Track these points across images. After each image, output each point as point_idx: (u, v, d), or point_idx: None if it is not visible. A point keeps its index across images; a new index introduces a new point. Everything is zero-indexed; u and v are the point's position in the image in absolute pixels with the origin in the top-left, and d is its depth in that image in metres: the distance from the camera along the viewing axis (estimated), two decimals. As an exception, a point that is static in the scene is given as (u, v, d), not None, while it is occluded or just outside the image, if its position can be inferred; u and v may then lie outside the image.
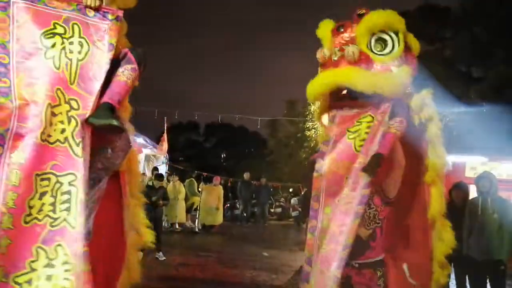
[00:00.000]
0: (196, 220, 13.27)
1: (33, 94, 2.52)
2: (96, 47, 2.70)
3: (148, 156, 15.31)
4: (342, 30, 3.39)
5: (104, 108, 2.63)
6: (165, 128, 15.41)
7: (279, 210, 18.48)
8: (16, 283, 2.32)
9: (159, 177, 9.35)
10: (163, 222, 10.98)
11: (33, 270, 2.35)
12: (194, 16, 66.87)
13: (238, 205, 16.46)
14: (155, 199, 8.51)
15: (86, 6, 2.72)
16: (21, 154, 2.43)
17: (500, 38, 14.00)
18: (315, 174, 3.40)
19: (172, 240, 10.50)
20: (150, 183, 9.23)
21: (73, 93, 2.59)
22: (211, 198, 13.04)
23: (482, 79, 15.08)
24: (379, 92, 3.19)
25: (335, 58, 3.37)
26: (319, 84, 3.39)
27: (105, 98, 2.66)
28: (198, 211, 13.23)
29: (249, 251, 9.87)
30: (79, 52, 2.64)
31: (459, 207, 5.56)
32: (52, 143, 2.50)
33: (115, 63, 2.75)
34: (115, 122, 2.56)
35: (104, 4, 2.79)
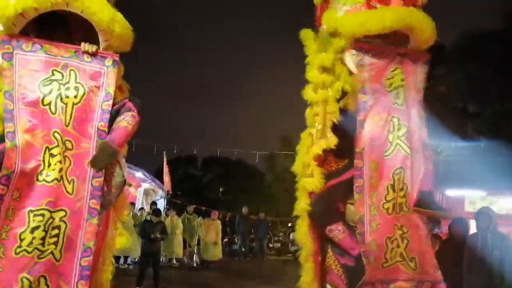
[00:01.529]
0: (194, 256, 13.10)
1: (33, 138, 2.71)
2: (93, 92, 2.86)
3: (147, 190, 15.27)
4: None
5: (102, 146, 2.82)
6: (165, 163, 15.38)
7: (278, 245, 18.25)
8: None
9: (157, 212, 9.33)
10: (161, 257, 10.84)
11: None
12: (193, 50, 68.02)
13: (236, 240, 16.28)
14: (154, 236, 8.44)
15: (84, 52, 2.87)
16: (18, 193, 2.66)
17: (494, 74, 14.24)
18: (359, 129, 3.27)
19: (170, 275, 10.34)
20: (149, 218, 9.19)
21: (68, 135, 2.78)
22: (210, 233, 12.91)
23: (478, 114, 15.24)
24: (428, 43, 3.22)
25: None
26: (390, 17, 3.09)
27: (106, 139, 2.85)
28: (196, 246, 13.07)
29: (247, 286, 9.72)
30: (75, 97, 2.81)
31: (459, 242, 5.53)
32: (49, 182, 2.70)
33: (114, 113, 2.91)
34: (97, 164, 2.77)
35: (101, 49, 2.92)
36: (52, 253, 2.65)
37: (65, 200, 2.73)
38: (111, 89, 2.89)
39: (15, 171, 2.64)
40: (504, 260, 5.04)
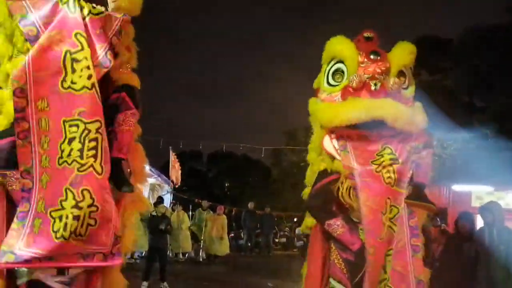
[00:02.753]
0: (201, 250, 13.16)
1: (49, 40, 2.54)
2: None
3: (153, 185, 15.30)
4: (378, 58, 3.18)
5: (118, 169, 2.74)
6: (173, 158, 15.37)
7: (283, 240, 18.30)
8: (52, 216, 2.49)
9: (160, 200, 9.82)
10: (168, 252, 10.91)
11: (63, 208, 2.49)
12: (199, 45, 68.06)
13: (242, 235, 16.34)
14: (162, 228, 8.57)
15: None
16: (45, 103, 2.52)
17: (502, 68, 14.15)
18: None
19: (177, 270, 10.39)
20: (154, 213, 9.25)
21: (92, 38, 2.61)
22: (216, 227, 12.96)
23: (484, 108, 15.17)
24: (410, 129, 3.16)
25: (375, 88, 3.13)
26: (358, 110, 3.09)
27: (116, 153, 2.75)
28: (202, 241, 13.13)
29: (253, 281, 9.75)
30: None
31: (465, 236, 5.53)
32: (78, 90, 2.53)
33: (113, 108, 2.79)
34: (127, 189, 2.71)
35: (109, 10, 2.81)
36: (92, 166, 2.53)
37: (99, 110, 2.57)
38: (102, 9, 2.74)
39: (27, 81, 2.50)
40: (510, 255, 5.03)
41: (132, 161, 2.97)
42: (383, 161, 3.17)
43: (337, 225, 3.22)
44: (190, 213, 14.11)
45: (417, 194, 3.22)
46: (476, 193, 9.68)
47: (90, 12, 2.66)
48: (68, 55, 2.54)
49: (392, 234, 3.16)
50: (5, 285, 2.66)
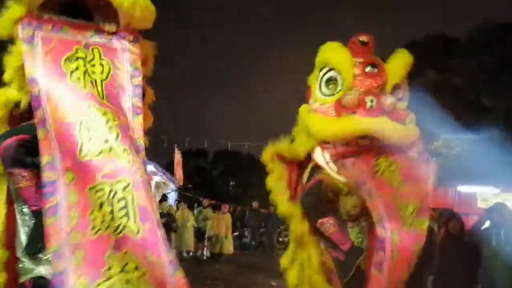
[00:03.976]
0: (204, 248, 13.15)
1: (65, 116, 2.54)
2: (118, 68, 2.76)
3: (158, 183, 15.34)
4: (375, 71, 3.06)
5: None
6: (178, 157, 15.36)
7: (287, 239, 18.29)
8: None
9: (164, 198, 9.65)
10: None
11: (110, 277, 2.36)
12: (204, 43, 68.17)
13: (246, 234, 16.34)
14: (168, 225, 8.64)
15: (104, 31, 2.79)
16: (71, 173, 2.47)
17: (508, 67, 14.05)
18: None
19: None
20: (159, 211, 9.33)
21: (106, 107, 2.62)
22: (220, 226, 12.95)
23: (491, 108, 15.05)
24: (403, 144, 3.10)
25: (371, 105, 3.01)
26: (353, 128, 3.02)
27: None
28: (206, 239, 13.14)
29: (257, 280, 9.75)
30: (102, 73, 2.69)
31: (458, 237, 5.51)
32: (97, 155, 2.50)
33: None
34: None
35: (121, 26, 2.82)
36: (125, 226, 2.43)
37: (123, 170, 2.49)
38: (138, 64, 2.80)
39: (55, 154, 2.48)
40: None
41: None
42: (381, 168, 3.09)
43: (329, 224, 3.19)
44: (195, 211, 14.13)
45: None
46: (482, 194, 9.63)
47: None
48: (83, 125, 2.52)
49: None
50: (9, 282, 2.67)
